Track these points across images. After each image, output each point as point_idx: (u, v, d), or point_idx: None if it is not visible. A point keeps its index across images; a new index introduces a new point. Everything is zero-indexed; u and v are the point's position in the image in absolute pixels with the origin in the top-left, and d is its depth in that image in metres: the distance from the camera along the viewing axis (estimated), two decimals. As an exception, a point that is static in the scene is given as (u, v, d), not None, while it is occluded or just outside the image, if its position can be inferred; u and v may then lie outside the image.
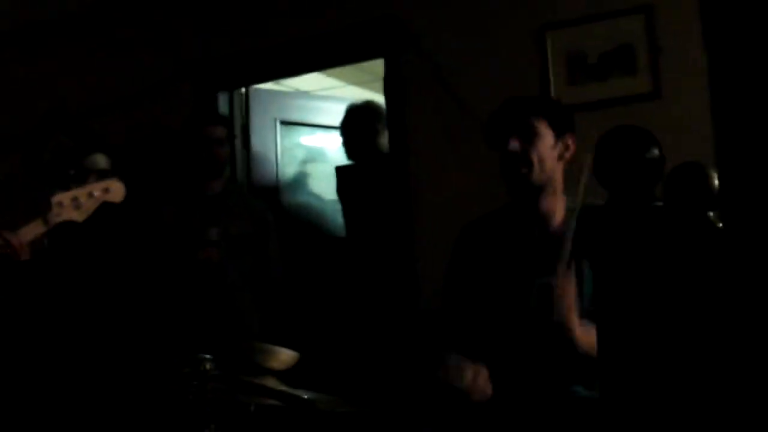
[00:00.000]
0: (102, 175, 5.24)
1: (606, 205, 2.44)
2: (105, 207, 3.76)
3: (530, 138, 3.26)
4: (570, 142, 3.33)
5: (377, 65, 5.71)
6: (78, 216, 3.67)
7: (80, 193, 3.68)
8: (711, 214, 2.00)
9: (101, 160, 5.34)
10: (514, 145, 3.24)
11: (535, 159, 3.25)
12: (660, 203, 2.16)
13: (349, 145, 5.70)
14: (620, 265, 2.16)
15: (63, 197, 3.67)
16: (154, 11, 6.26)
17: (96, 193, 3.70)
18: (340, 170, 5.75)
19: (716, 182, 1.95)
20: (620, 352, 2.08)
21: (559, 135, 3.31)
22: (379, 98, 5.74)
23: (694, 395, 1.92)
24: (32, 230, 3.62)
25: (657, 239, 2.08)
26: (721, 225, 1.96)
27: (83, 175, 5.24)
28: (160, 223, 5.04)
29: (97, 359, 4.69)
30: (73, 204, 3.65)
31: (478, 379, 3.12)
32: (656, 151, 2.25)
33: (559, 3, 4.86)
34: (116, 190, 3.78)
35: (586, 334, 2.98)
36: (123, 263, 5.05)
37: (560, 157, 3.32)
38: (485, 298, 3.34)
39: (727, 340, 1.87)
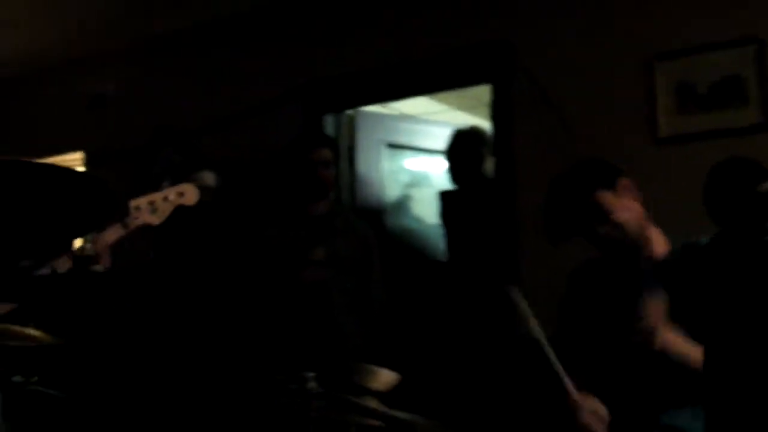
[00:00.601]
0: (209, 191, 5.33)
1: (715, 240, 2.40)
2: (180, 210, 3.82)
3: (604, 213, 3.28)
4: (624, 183, 3.34)
5: (482, 91, 5.72)
6: (154, 219, 3.74)
7: (156, 197, 3.76)
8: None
9: (209, 178, 5.42)
10: (602, 229, 3.27)
11: (622, 222, 3.27)
12: (771, 238, 2.13)
13: (453, 170, 5.70)
14: (731, 302, 2.13)
15: (140, 201, 3.75)
16: (265, 32, 6.35)
17: (171, 197, 3.79)
18: (444, 195, 5.76)
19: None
20: (731, 392, 2.05)
21: (613, 188, 3.32)
22: (485, 124, 5.74)
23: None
24: (112, 234, 3.69)
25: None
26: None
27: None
28: (264, 243, 5.09)
29: (203, 374, 4.75)
30: (150, 208, 3.73)
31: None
32: (769, 184, 2.22)
33: (669, 33, 4.83)
34: (189, 194, 3.85)
35: (676, 343, 3.00)
36: (227, 280, 5.11)
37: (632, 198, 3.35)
38: (594, 332, 3.37)
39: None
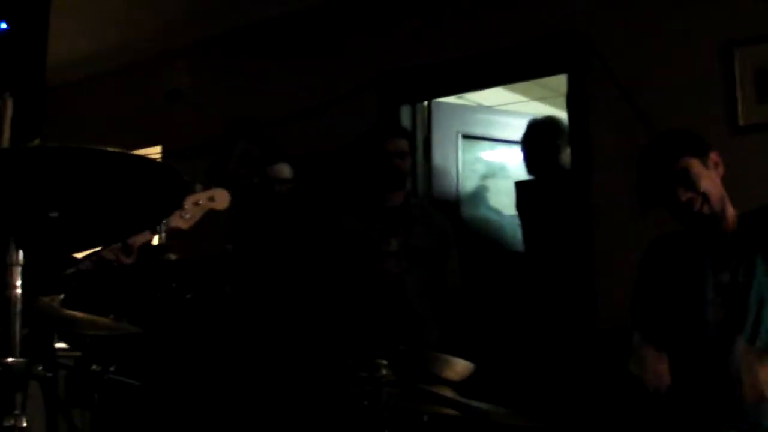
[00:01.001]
0: (285, 184, 5.35)
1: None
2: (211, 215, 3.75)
3: (691, 180, 3.27)
4: (714, 157, 3.35)
5: (559, 81, 5.69)
6: (184, 224, 3.66)
7: (186, 201, 3.69)
8: None
9: (285, 170, 5.45)
10: (685, 195, 3.26)
11: (706, 191, 3.27)
12: None
13: (530, 161, 5.67)
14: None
15: None
16: (340, 24, 6.37)
17: (201, 202, 3.70)
18: (519, 185, 5.73)
19: None
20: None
21: (703, 158, 3.32)
22: (561, 114, 5.70)
23: None
24: (141, 237, 3.63)
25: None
26: None
27: (267, 184, 5.35)
28: (340, 234, 5.11)
29: (277, 362, 4.79)
30: (180, 212, 3.66)
31: (658, 366, 3.19)
32: None
33: (748, 18, 4.75)
34: (221, 198, 3.78)
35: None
36: (303, 271, 5.14)
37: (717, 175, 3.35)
38: (671, 309, 3.35)
39: None
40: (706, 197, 3.25)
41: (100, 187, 2.12)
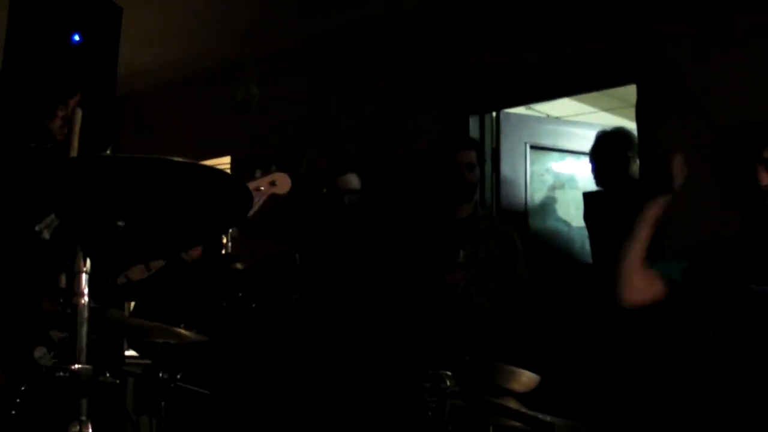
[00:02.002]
0: (353, 194, 5.36)
1: None
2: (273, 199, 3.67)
3: None
4: None
5: (629, 91, 5.64)
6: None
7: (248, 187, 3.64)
8: None
9: (353, 180, 5.46)
10: (767, 178, 3.23)
11: None
12: None
13: (598, 172, 5.63)
14: None
15: None
16: (407, 35, 6.38)
17: (263, 188, 3.65)
18: (588, 196, 5.69)
19: None
20: None
21: None
22: (630, 125, 5.66)
23: None
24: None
25: None
26: None
27: (335, 194, 5.37)
28: (408, 244, 5.11)
29: (342, 371, 4.80)
30: None
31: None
32: None
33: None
34: (282, 183, 3.71)
35: None
36: (371, 281, 5.14)
37: None
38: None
39: None
40: None
41: (168, 197, 2.14)
